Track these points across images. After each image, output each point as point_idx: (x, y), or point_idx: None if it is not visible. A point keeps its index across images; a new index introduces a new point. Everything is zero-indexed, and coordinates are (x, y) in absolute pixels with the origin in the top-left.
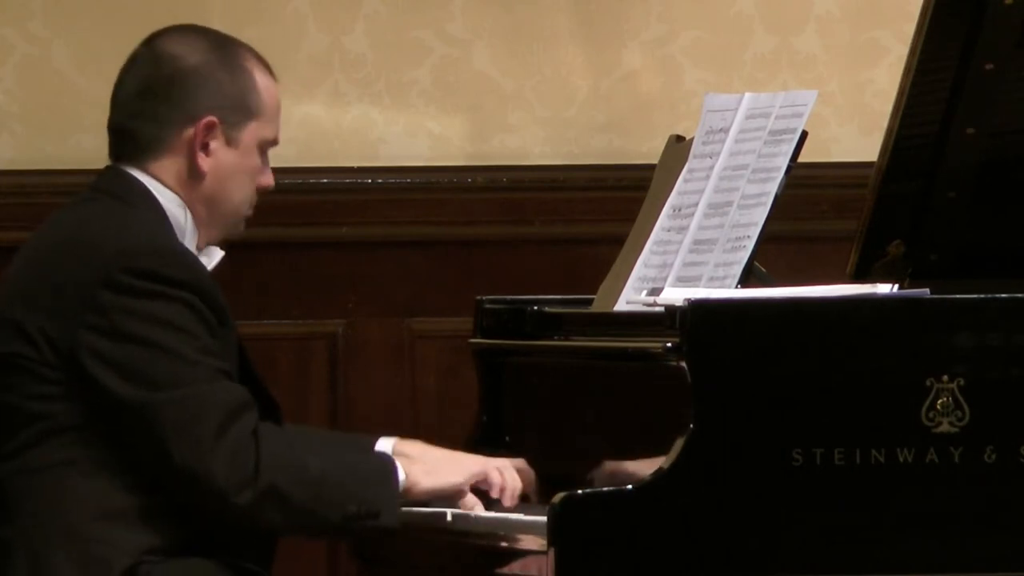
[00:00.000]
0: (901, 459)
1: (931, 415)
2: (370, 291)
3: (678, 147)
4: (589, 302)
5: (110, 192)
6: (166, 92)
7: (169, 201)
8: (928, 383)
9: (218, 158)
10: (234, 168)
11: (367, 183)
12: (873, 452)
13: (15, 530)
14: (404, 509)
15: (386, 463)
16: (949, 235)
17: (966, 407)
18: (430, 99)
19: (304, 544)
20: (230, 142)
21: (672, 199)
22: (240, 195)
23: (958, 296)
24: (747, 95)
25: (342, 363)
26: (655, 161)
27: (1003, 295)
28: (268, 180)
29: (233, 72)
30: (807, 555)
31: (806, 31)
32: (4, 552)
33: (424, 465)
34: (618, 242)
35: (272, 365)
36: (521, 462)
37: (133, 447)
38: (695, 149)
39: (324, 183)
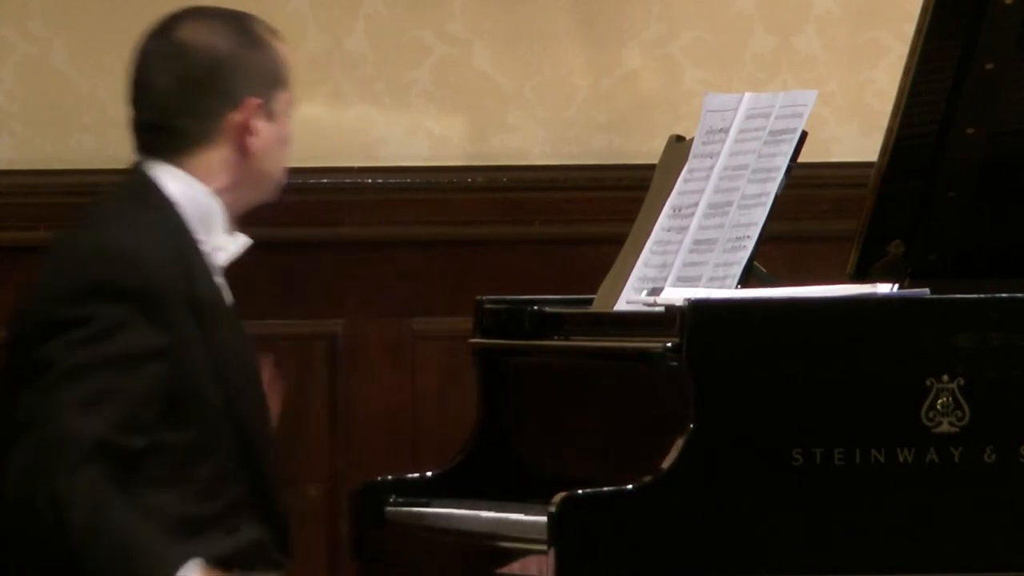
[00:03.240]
0: (901, 459)
1: (931, 415)
2: (370, 291)
3: (678, 147)
4: (589, 302)
5: (126, 190)
6: (208, 83)
7: (198, 194)
8: (928, 383)
9: (263, 136)
10: (275, 141)
11: (367, 183)
12: (873, 452)
13: None
14: (405, 509)
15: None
16: (949, 235)
17: (966, 407)
18: (430, 99)
19: (303, 544)
20: (269, 117)
21: (672, 199)
22: (280, 164)
23: (958, 296)
24: (747, 95)
25: (342, 363)
26: (655, 161)
27: (1003, 295)
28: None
29: (260, 49)
30: (807, 555)
31: (806, 31)
32: None
33: None
34: (618, 242)
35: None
36: None
37: None
38: (695, 149)
39: (324, 183)
